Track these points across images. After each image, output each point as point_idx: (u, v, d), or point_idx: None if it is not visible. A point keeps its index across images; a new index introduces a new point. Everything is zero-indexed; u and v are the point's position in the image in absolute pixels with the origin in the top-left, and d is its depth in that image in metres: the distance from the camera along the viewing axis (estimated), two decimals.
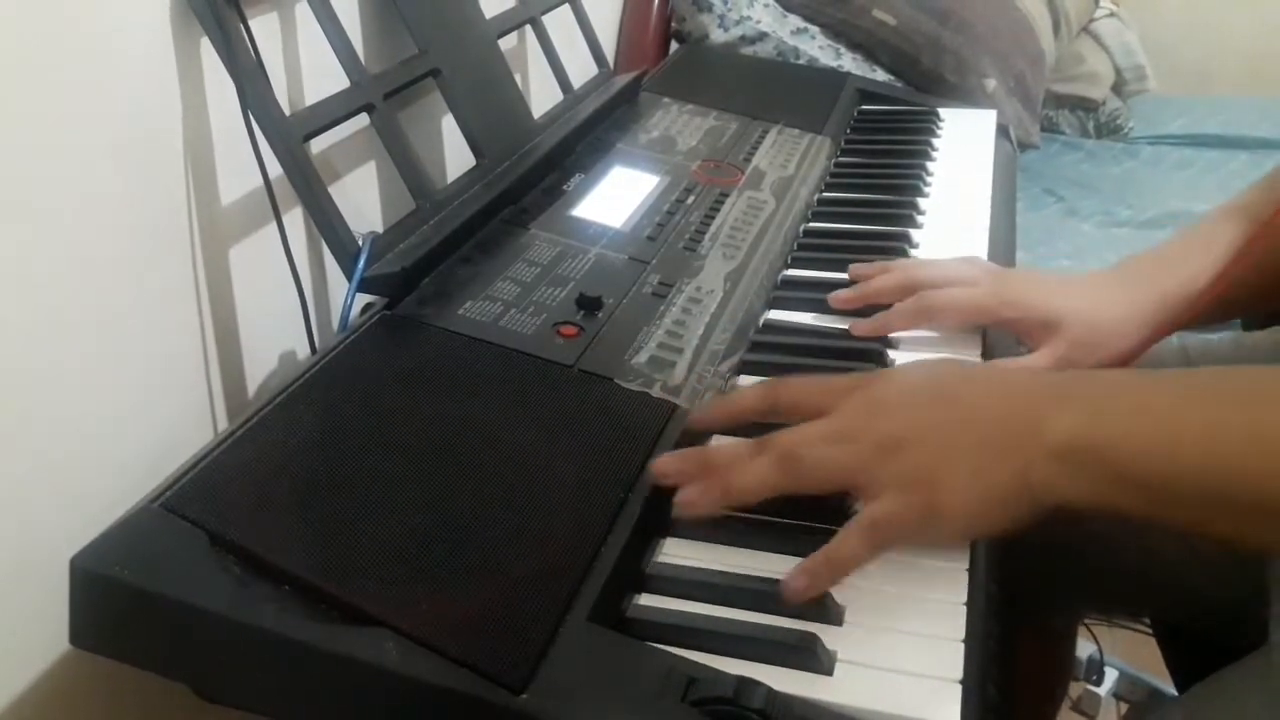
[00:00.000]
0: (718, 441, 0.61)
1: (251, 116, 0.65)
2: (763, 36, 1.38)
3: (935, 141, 1.07)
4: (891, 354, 0.70)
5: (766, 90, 1.15)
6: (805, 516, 0.54)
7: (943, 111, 1.15)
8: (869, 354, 0.69)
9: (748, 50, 1.38)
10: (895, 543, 0.50)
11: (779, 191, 0.89)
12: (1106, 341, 0.69)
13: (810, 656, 0.46)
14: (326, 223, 0.66)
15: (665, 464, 0.55)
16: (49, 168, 0.55)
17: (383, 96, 0.72)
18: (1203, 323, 0.71)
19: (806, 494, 0.53)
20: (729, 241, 0.79)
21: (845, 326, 0.73)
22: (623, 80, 1.01)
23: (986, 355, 0.71)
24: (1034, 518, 0.50)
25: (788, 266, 0.82)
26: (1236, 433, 0.47)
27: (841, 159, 1.03)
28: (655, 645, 0.46)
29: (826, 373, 0.59)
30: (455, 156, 0.93)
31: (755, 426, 0.57)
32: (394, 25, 0.82)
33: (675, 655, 0.45)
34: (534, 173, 0.82)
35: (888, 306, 0.72)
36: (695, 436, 0.60)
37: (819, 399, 0.55)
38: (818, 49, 1.39)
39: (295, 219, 0.76)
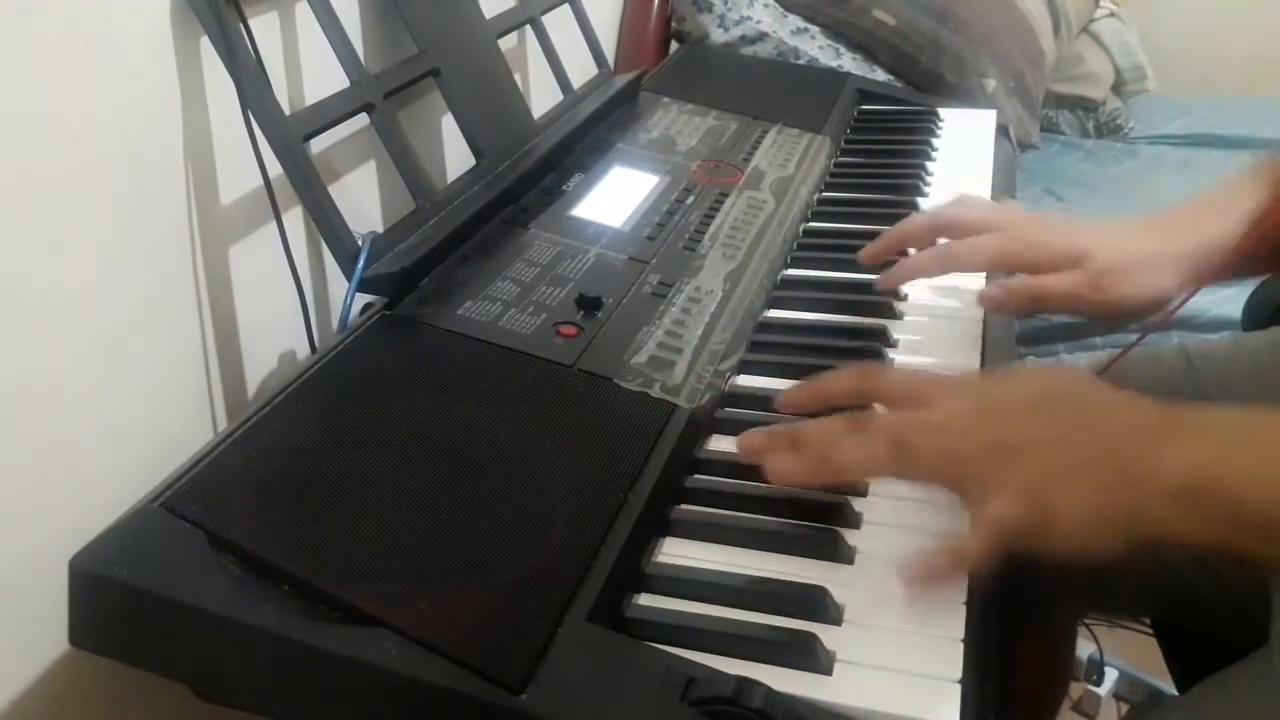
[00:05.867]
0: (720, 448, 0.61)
1: (251, 116, 0.65)
2: (763, 36, 1.38)
3: (935, 141, 1.07)
4: (891, 354, 0.70)
5: (766, 90, 1.15)
6: (805, 517, 0.55)
7: (942, 111, 1.15)
8: (868, 353, 0.69)
9: (748, 50, 1.38)
10: (1013, 545, 0.48)
11: (779, 191, 0.89)
12: (1137, 275, 0.67)
13: (810, 656, 0.46)
14: (326, 223, 0.66)
15: (752, 439, 0.54)
16: (48, 167, 0.55)
17: (383, 96, 0.72)
18: (1226, 278, 0.69)
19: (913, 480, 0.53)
20: (729, 241, 0.79)
21: (845, 324, 0.73)
22: (623, 80, 1.01)
23: (985, 358, 0.71)
24: (1141, 548, 0.48)
25: (787, 266, 0.82)
26: None
27: (841, 159, 1.03)
28: (654, 645, 0.46)
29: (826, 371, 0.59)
30: (455, 156, 0.93)
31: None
32: (394, 25, 0.82)
33: (674, 655, 0.45)
34: (534, 173, 0.82)
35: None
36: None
37: (919, 389, 0.54)
38: (818, 49, 1.39)
39: (295, 219, 0.76)
